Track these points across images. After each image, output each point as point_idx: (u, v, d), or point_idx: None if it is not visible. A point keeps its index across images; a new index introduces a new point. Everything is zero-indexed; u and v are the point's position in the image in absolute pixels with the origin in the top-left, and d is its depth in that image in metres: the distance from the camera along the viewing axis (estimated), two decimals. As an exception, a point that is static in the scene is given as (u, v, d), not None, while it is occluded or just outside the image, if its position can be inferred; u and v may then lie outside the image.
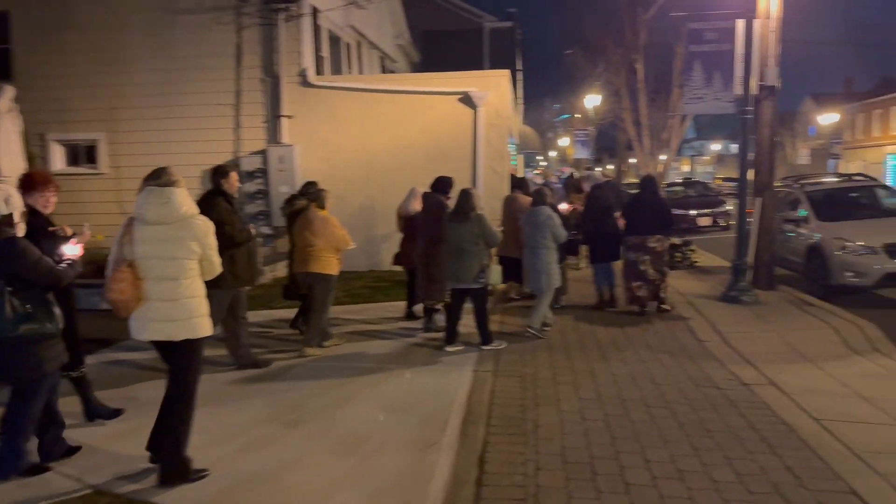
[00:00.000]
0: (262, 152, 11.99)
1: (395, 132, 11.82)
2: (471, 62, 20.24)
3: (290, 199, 7.68)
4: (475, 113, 11.57)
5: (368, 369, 6.35)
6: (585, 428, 4.83)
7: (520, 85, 30.10)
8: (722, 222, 19.68)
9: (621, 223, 8.68)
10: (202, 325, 4.04)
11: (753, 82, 9.06)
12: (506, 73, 12.03)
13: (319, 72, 12.63)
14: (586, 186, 9.77)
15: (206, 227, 4.05)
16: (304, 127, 11.99)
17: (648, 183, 9.02)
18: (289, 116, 11.97)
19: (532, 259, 7.60)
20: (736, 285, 9.01)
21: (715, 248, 13.96)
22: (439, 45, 23.72)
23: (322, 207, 7.09)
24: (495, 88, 11.67)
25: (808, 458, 4.30)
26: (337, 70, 14.36)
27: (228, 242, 5.91)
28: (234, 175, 6.28)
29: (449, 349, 6.95)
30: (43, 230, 4.45)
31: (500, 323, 8.00)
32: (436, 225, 7.30)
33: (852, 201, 11.12)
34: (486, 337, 6.97)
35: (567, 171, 22.63)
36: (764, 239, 9.67)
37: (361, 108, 11.90)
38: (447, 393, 5.58)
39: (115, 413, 5.07)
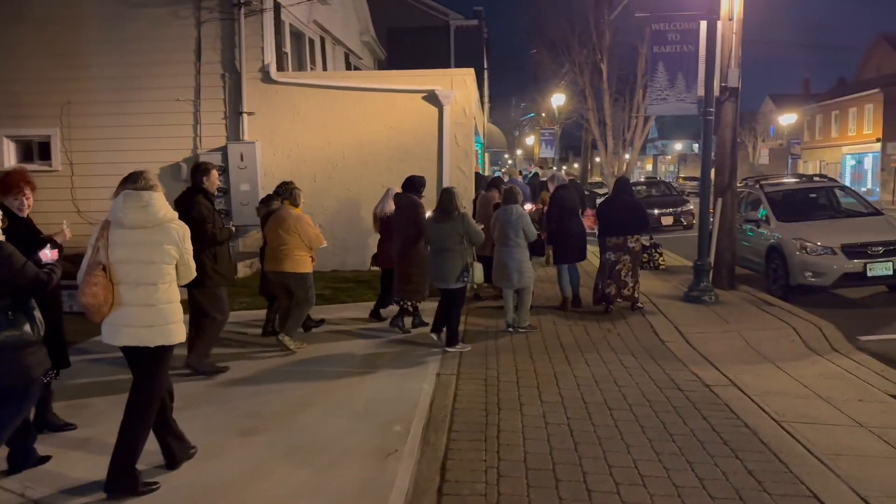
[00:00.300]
0: (223, 149, 11.76)
1: (359, 130, 11.68)
2: (437, 60, 20.18)
3: (266, 200, 7.73)
4: (441, 111, 11.49)
5: (330, 374, 6.23)
6: (548, 433, 4.77)
7: (486, 83, 30.11)
8: (685, 221, 19.89)
9: (589, 223, 8.67)
10: (177, 332, 3.98)
11: (715, 84, 9.11)
12: (471, 71, 11.96)
13: (282, 68, 12.41)
14: (552, 186, 9.76)
15: (184, 231, 4.00)
16: (265, 124, 11.78)
17: (624, 184, 9.06)
18: (250, 113, 11.75)
19: (505, 257, 7.58)
20: (698, 285, 9.06)
21: (677, 247, 14.07)
22: (405, 42, 23.62)
23: (296, 205, 7.08)
24: (461, 87, 11.60)
25: (770, 461, 4.30)
26: (300, 66, 14.15)
27: (210, 241, 5.85)
28: (214, 172, 6.21)
29: (435, 337, 7.08)
30: (27, 236, 4.32)
31: (463, 323, 7.91)
32: (411, 225, 7.24)
33: (812, 202, 11.28)
34: (452, 338, 6.90)
35: (532, 169, 22.73)
36: (725, 239, 9.75)
37: (325, 105, 11.74)
38: (409, 398, 5.49)
39: (67, 426, 4.87)
